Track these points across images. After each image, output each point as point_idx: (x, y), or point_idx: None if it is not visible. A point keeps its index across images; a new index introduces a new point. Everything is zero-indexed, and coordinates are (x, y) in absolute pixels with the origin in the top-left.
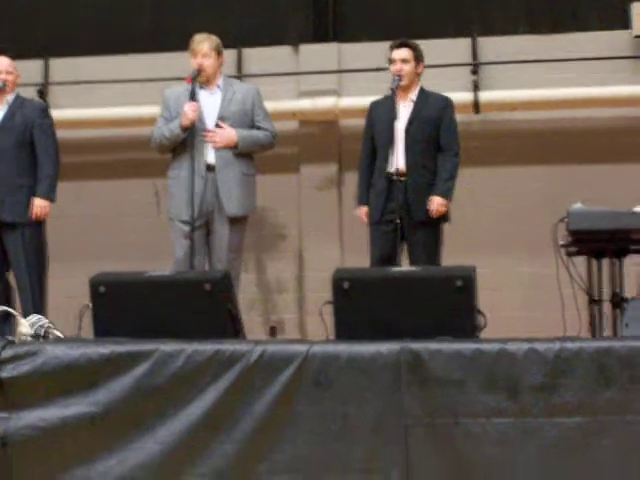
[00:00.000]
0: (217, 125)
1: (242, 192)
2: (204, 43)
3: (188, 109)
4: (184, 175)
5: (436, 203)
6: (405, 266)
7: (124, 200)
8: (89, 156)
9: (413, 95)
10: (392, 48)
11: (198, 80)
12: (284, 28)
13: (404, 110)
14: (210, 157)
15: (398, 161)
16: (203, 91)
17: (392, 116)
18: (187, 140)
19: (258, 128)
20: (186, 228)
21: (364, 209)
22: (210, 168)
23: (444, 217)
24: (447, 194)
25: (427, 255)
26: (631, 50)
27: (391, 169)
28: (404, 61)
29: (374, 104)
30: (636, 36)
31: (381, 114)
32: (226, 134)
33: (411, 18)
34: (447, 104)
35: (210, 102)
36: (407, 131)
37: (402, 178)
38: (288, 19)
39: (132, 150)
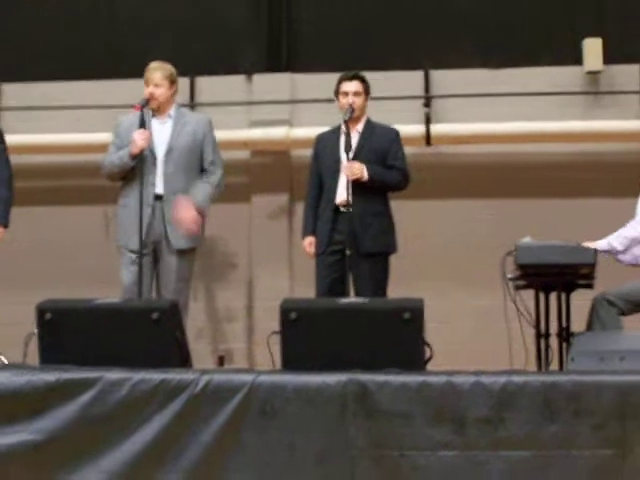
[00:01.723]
0: None
1: None
2: (157, 72)
3: (138, 137)
4: (133, 203)
5: (357, 165)
6: (352, 297)
7: (75, 226)
8: (40, 182)
9: (359, 127)
10: (343, 80)
11: (150, 108)
12: (237, 57)
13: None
14: (159, 187)
15: (344, 192)
16: (155, 120)
17: (339, 148)
18: (137, 168)
19: (205, 169)
20: (134, 256)
21: (310, 239)
22: (158, 198)
23: (391, 247)
24: (370, 171)
25: (373, 286)
26: (583, 86)
27: (337, 200)
28: (356, 94)
29: (320, 136)
30: (588, 72)
31: (327, 146)
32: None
33: (364, 50)
34: (395, 135)
35: (161, 131)
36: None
37: (348, 209)
38: (241, 48)
39: (83, 176)
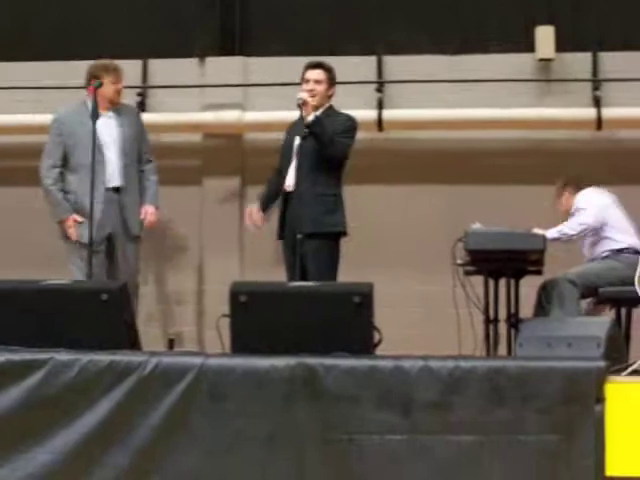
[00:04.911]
0: None
1: None
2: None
3: (71, 229)
4: (81, 199)
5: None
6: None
7: (23, 208)
8: None
9: (318, 113)
10: (307, 68)
11: (112, 104)
12: (190, 40)
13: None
14: (115, 179)
15: (291, 177)
16: (101, 113)
17: (295, 134)
18: (86, 163)
19: (143, 161)
20: (85, 250)
21: (254, 209)
22: (115, 190)
23: (337, 227)
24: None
25: (317, 268)
26: (535, 73)
27: (286, 184)
28: (317, 82)
29: (291, 125)
30: (540, 59)
31: (290, 133)
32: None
33: (317, 35)
34: (346, 118)
35: (107, 125)
36: (300, 147)
37: (292, 193)
38: (194, 32)
39: (30, 158)
